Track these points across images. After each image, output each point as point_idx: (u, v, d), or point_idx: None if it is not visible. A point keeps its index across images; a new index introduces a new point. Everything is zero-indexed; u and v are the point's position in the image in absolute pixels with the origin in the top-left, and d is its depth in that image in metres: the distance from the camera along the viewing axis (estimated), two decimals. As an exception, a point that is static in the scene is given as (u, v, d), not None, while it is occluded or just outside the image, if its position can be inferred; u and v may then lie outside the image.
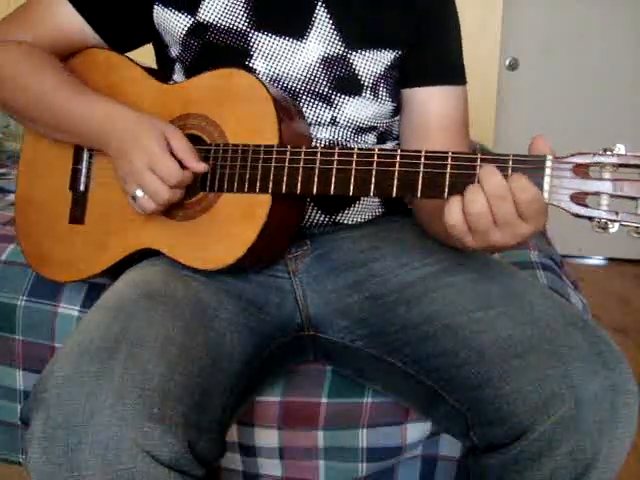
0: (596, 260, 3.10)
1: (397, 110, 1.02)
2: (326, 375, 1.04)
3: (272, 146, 0.84)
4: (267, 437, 1.04)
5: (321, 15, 0.94)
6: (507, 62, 2.98)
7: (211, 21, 0.94)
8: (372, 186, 0.79)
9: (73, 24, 0.98)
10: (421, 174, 0.76)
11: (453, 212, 0.73)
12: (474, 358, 0.81)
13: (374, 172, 0.78)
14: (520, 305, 0.84)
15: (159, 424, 0.68)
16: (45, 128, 0.98)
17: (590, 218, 0.69)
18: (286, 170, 0.83)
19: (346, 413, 1.03)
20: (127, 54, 1.01)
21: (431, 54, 1.00)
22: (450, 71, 1.02)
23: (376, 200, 1.01)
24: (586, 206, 0.70)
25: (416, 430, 1.04)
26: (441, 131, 0.98)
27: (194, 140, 0.90)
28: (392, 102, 1.00)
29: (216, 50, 0.94)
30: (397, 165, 0.77)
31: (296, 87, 0.94)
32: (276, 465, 1.06)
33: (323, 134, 0.96)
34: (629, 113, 2.98)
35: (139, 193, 0.85)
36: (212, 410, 0.77)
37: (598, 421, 0.75)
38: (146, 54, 1.06)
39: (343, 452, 1.05)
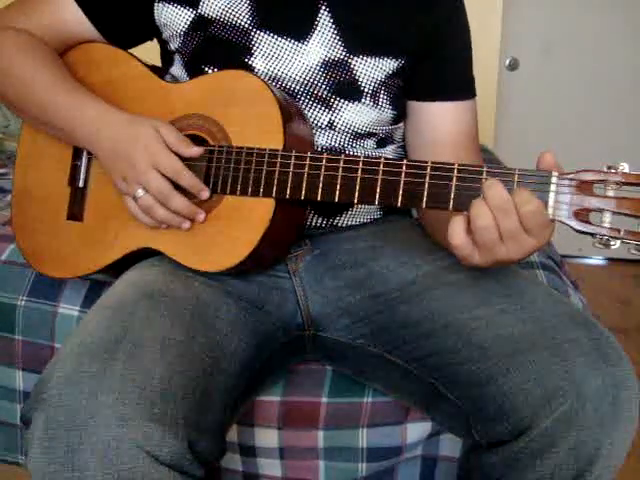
0: (596, 260, 3.09)
1: (398, 118, 1.00)
2: (326, 375, 1.03)
3: (277, 150, 0.83)
4: (267, 437, 1.04)
5: (324, 18, 0.93)
6: (507, 62, 2.98)
7: (214, 16, 0.93)
8: (377, 195, 0.78)
9: (74, 18, 0.98)
10: (427, 185, 0.76)
11: (457, 232, 0.73)
12: (475, 355, 0.81)
13: (379, 181, 0.78)
14: (521, 302, 0.84)
15: (159, 424, 0.68)
16: (35, 121, 0.98)
17: (592, 234, 0.71)
18: (291, 175, 0.82)
19: (346, 413, 1.03)
20: (130, 51, 1.01)
21: (446, 68, 0.99)
22: (465, 86, 1.01)
23: None
24: (589, 223, 0.71)
25: (416, 430, 1.04)
26: (454, 146, 0.98)
27: (196, 141, 0.89)
28: (393, 110, 0.98)
29: (217, 44, 0.94)
30: (403, 175, 0.77)
31: (295, 89, 0.94)
32: (276, 465, 1.06)
33: (320, 139, 0.95)
34: (629, 113, 2.98)
35: (140, 192, 0.85)
36: (212, 410, 0.77)
37: (600, 417, 0.75)
38: (148, 51, 1.06)
39: (343, 452, 1.05)
